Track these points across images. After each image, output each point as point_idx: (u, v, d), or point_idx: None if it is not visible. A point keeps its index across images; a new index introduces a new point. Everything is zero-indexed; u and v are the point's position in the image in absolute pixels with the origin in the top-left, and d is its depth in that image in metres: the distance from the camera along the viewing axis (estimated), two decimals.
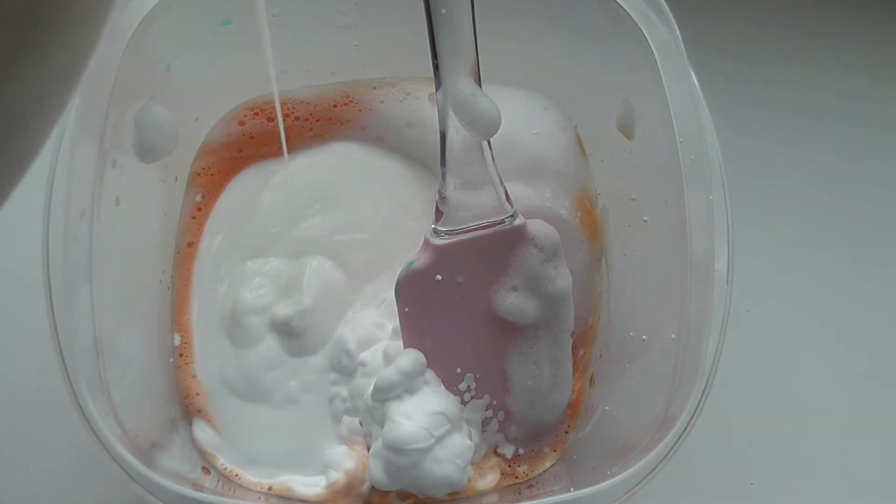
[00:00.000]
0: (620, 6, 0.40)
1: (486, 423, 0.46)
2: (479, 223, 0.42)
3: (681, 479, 0.49)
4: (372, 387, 0.43)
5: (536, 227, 0.43)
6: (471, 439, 0.44)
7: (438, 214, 0.42)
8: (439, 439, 0.42)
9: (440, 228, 0.42)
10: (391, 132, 0.50)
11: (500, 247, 0.43)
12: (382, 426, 0.43)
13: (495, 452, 0.47)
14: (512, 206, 0.42)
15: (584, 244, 0.48)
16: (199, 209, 0.49)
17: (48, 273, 0.37)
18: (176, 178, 0.48)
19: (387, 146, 0.50)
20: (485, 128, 0.39)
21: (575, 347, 0.47)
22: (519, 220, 0.43)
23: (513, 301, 0.44)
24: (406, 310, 0.44)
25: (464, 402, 0.45)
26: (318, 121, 0.50)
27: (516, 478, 0.46)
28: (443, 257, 0.42)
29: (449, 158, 0.40)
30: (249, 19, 0.44)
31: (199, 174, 0.50)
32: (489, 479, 0.45)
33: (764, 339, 0.52)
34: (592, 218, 0.49)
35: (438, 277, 0.43)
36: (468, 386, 0.45)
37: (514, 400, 0.46)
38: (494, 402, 0.46)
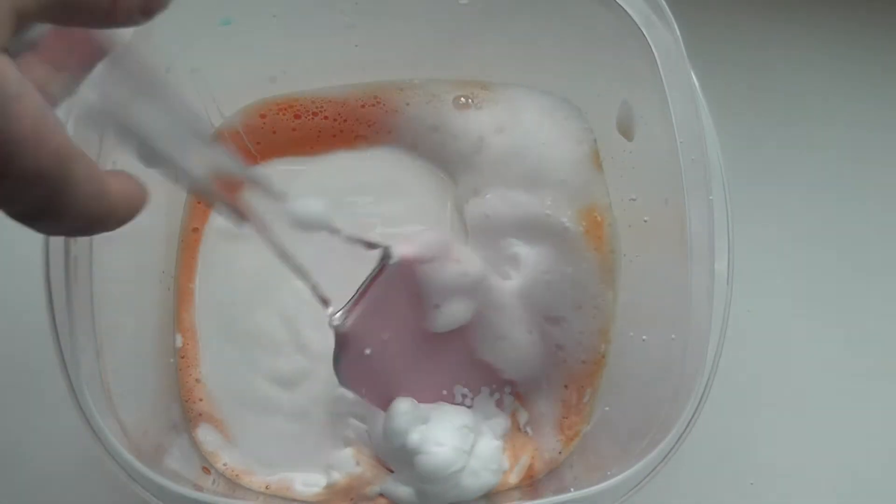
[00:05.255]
0: (622, 7, 0.40)
1: (499, 403, 0.46)
2: (363, 282, 0.41)
3: (681, 479, 0.49)
4: (386, 434, 0.42)
5: (415, 245, 0.41)
6: (495, 437, 0.44)
7: (324, 302, 0.40)
8: (471, 452, 0.42)
9: (335, 313, 0.40)
10: (416, 136, 0.50)
11: (398, 284, 0.41)
12: (410, 460, 0.42)
13: (517, 428, 0.47)
14: (380, 244, 0.41)
15: (591, 254, 0.47)
16: None
17: (48, 273, 0.37)
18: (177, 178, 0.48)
19: (415, 152, 0.50)
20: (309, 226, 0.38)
21: (581, 388, 0.47)
22: (396, 252, 0.41)
23: (442, 316, 0.43)
24: (363, 391, 0.43)
25: (471, 406, 0.45)
26: (345, 120, 0.50)
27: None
28: (356, 336, 0.41)
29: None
30: (249, 19, 0.44)
31: None
32: (523, 462, 0.45)
33: (764, 339, 0.52)
34: (601, 230, 0.48)
35: (368, 351, 0.41)
36: (463, 394, 0.45)
37: (507, 373, 0.46)
38: (494, 386, 0.46)
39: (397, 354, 0.43)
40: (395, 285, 0.41)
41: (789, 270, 0.55)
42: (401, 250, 0.41)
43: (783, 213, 0.56)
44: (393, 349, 0.42)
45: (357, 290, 0.40)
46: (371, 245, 0.40)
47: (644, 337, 0.43)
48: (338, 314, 0.40)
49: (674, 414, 0.37)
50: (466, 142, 0.49)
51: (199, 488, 0.38)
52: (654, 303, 0.43)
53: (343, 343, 0.40)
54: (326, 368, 0.43)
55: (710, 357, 0.38)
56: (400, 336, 0.43)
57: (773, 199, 0.56)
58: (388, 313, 0.42)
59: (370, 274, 0.41)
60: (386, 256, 0.40)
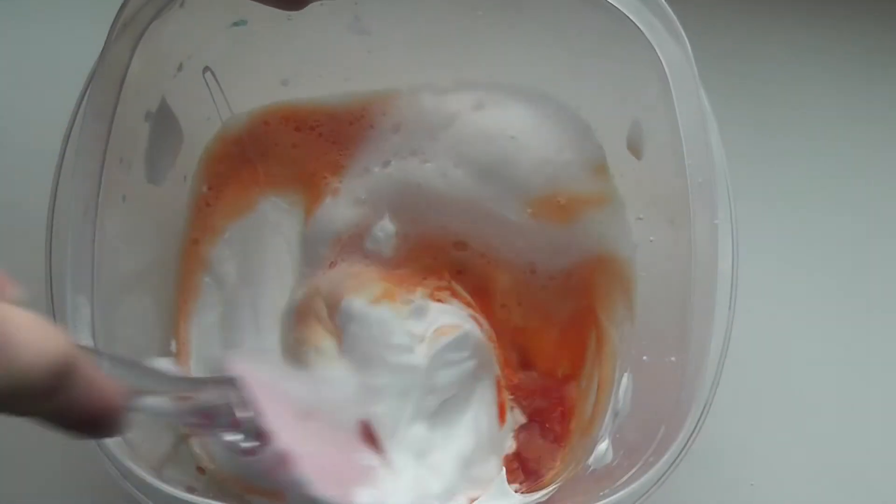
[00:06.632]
0: (634, 23, 0.40)
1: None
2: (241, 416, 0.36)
3: (681, 479, 0.49)
4: None
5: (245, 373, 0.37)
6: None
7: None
8: None
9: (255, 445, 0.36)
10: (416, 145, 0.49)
11: (264, 387, 0.37)
12: None
13: None
14: (224, 376, 0.37)
15: None
16: (207, 203, 0.49)
17: (50, 273, 0.37)
18: (185, 177, 0.48)
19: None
20: None
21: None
22: (235, 372, 0.37)
23: None
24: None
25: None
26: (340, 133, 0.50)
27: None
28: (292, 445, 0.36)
29: None
30: (264, 22, 0.44)
31: (209, 163, 0.49)
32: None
33: (764, 340, 0.52)
34: None
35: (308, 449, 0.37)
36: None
37: None
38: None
39: (320, 440, 0.39)
40: (265, 389, 0.37)
41: (791, 272, 0.54)
42: (237, 371, 0.37)
43: (789, 230, 0.55)
44: (314, 438, 0.39)
45: (248, 423, 0.36)
46: (219, 380, 0.36)
47: (644, 357, 0.43)
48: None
49: (668, 440, 0.37)
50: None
51: (192, 490, 0.38)
52: (656, 324, 0.43)
53: (290, 458, 0.36)
54: None
55: (710, 380, 0.37)
56: (306, 425, 0.39)
57: (779, 215, 0.55)
58: (279, 412, 0.37)
59: (236, 404, 0.36)
60: (234, 381, 0.36)
